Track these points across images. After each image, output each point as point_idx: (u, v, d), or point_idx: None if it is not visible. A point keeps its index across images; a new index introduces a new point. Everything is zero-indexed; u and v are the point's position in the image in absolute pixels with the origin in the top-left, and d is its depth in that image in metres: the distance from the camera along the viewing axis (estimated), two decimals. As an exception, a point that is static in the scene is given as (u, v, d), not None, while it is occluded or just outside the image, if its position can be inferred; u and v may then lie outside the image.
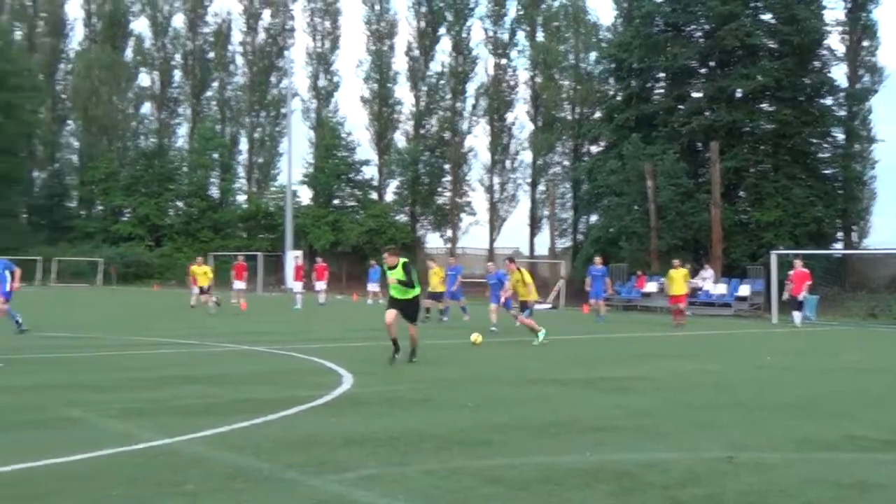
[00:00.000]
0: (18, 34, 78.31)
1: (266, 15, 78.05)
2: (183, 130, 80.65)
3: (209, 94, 79.96)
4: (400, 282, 14.79)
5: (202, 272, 31.02)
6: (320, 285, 38.66)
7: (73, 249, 67.92)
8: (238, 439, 7.85)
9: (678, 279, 28.64)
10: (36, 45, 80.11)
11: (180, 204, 74.49)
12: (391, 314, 14.78)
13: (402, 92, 76.38)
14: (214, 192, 75.20)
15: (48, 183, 78.76)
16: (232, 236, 70.65)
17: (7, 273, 19.91)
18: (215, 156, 73.88)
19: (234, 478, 6.42)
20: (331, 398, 10.52)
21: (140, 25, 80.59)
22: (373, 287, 40.73)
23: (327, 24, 76.25)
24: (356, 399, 10.58)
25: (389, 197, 73.03)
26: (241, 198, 77.21)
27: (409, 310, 15.05)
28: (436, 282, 28.59)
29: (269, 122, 77.97)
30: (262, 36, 78.20)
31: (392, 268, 15.02)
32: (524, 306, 19.60)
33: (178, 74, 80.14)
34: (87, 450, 7.20)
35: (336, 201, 71.66)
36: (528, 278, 19.67)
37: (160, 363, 14.53)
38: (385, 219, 67.78)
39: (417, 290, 15.15)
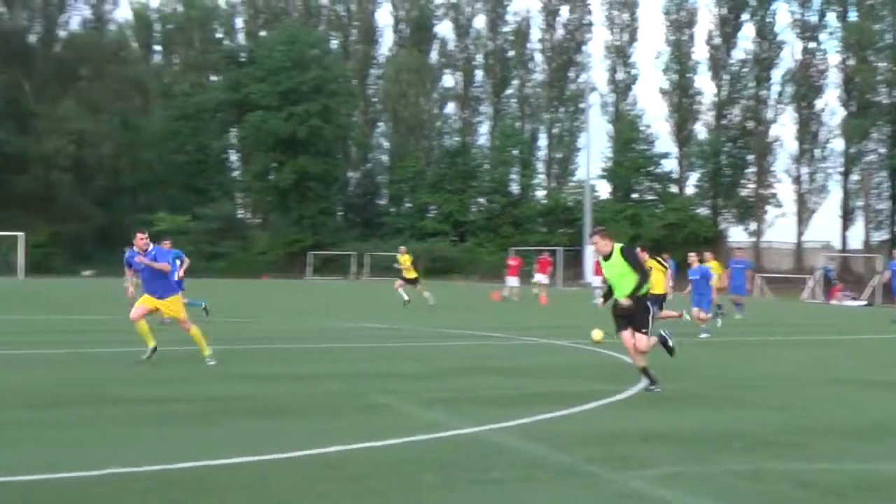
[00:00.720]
0: (334, 43, 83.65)
1: (564, 11, 78.63)
2: (484, 128, 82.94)
3: (509, 91, 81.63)
4: (617, 277, 10.61)
5: (402, 260, 30.26)
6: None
7: (384, 245, 71.56)
8: (540, 431, 8.03)
9: None
10: (350, 52, 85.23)
11: (482, 200, 76.51)
12: (627, 337, 10.70)
13: (703, 81, 74.82)
14: (515, 188, 76.68)
15: (361, 182, 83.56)
16: (532, 231, 71.69)
17: (177, 262, 20.46)
18: (515, 152, 75.30)
19: (537, 468, 6.58)
20: (630, 394, 10.50)
21: (444, 28, 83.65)
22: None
23: (625, 16, 75.75)
24: (656, 395, 10.48)
25: (690, 190, 71.69)
26: (541, 193, 78.26)
27: (634, 315, 10.64)
28: None
29: (568, 118, 78.44)
30: (560, 32, 78.84)
31: (607, 257, 10.72)
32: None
33: (479, 74, 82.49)
34: (399, 435, 7.64)
35: (635, 195, 71.15)
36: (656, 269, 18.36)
37: (465, 354, 15.08)
38: (685, 212, 66.45)
39: (646, 288, 10.82)
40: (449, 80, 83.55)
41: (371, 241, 71.80)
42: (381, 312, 26.31)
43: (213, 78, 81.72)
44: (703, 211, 69.47)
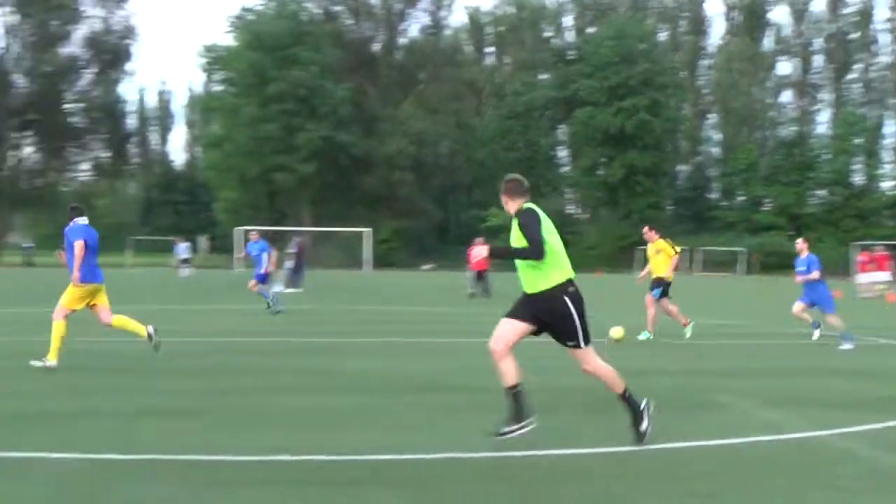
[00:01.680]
0: (662, 35, 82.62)
1: (915, -14, 73.06)
2: (823, 116, 78.98)
3: (851, 76, 77.11)
4: (522, 254, 6.90)
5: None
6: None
7: (716, 239, 69.87)
8: (892, 439, 7.52)
9: None
10: (678, 43, 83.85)
11: (821, 192, 72.87)
12: (503, 330, 6.95)
13: None
14: (858, 178, 72.25)
15: (691, 175, 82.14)
16: (877, 225, 67.18)
17: (264, 255, 20.48)
18: (858, 141, 70.92)
19: (891, 478, 6.19)
20: None
21: (779, 14, 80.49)
22: None
23: None
24: None
25: None
26: (888, 184, 73.21)
27: (550, 318, 6.94)
28: None
29: (919, 102, 72.90)
30: (910, 10, 73.32)
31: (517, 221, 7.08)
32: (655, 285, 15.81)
33: (818, 59, 78.46)
34: (736, 435, 7.42)
35: None
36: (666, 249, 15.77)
37: (800, 354, 14.40)
38: None
39: (564, 275, 7.05)
40: (784, 67, 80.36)
41: (701, 236, 70.35)
42: (711, 307, 25.67)
43: (542, 76, 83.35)
44: None
